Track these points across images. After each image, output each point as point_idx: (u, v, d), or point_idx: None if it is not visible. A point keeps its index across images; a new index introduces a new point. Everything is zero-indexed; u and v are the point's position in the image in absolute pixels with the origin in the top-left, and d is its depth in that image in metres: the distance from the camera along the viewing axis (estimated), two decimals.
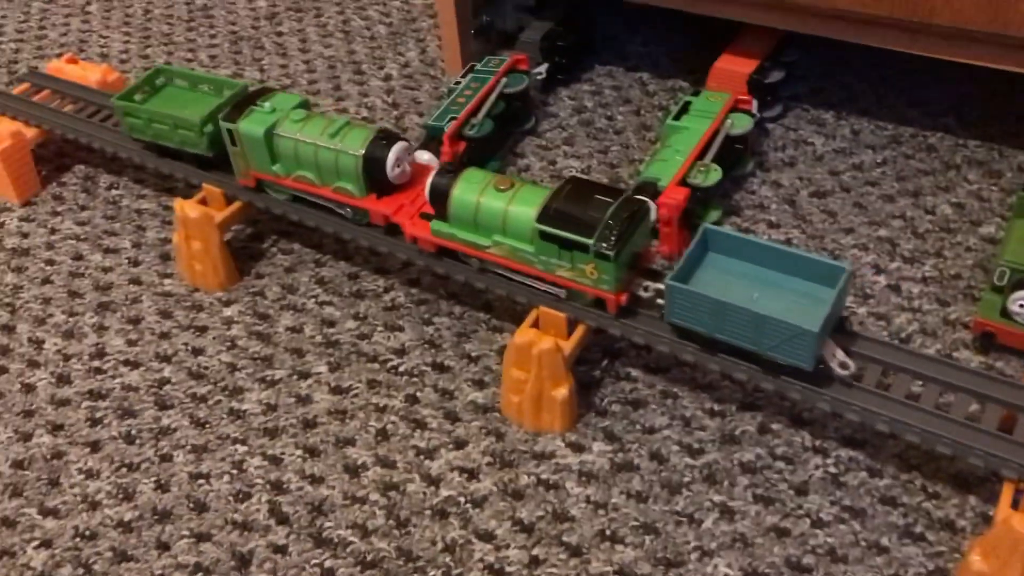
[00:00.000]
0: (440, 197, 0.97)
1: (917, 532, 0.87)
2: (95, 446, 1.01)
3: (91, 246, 1.25)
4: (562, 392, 0.94)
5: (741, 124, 1.19)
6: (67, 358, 1.11)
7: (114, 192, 1.34)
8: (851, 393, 0.86)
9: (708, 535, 0.88)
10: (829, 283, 0.87)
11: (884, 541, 0.86)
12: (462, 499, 0.93)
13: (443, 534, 0.90)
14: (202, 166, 1.17)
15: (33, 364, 1.10)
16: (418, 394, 1.03)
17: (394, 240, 1.05)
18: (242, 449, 0.99)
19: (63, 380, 1.08)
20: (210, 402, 1.04)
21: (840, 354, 0.86)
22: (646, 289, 0.93)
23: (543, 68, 1.40)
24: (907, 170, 1.25)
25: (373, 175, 1.03)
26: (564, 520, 0.90)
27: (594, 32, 1.52)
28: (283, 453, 0.98)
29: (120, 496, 0.96)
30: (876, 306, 1.07)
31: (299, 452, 0.98)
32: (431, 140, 1.24)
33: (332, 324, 1.12)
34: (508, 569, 0.87)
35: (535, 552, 0.88)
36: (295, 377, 1.06)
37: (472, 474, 0.95)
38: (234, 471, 0.97)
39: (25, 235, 1.28)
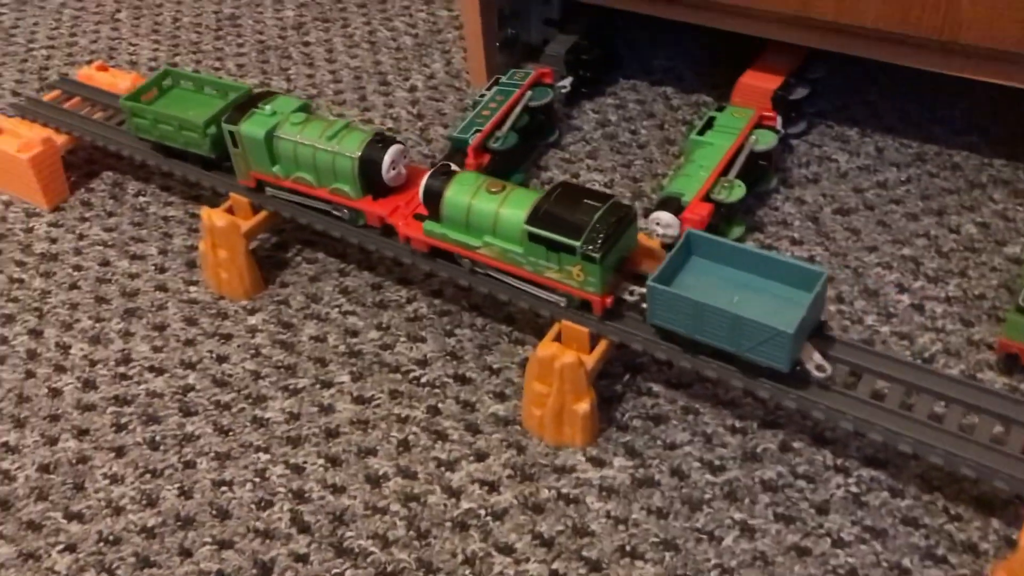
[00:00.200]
0: (433, 198, 0.99)
1: (939, 554, 0.86)
2: (120, 451, 1.02)
3: (118, 252, 1.27)
4: (584, 406, 0.94)
5: (765, 140, 1.19)
6: (93, 363, 1.12)
7: (141, 199, 1.35)
8: (874, 413, 0.86)
9: (728, 553, 0.88)
10: (808, 287, 0.88)
11: (906, 563, 0.86)
12: (482, 511, 0.93)
13: (463, 546, 0.90)
14: (205, 167, 1.20)
15: (60, 369, 1.12)
16: (440, 405, 1.04)
17: (389, 241, 1.08)
18: (265, 457, 1.00)
19: (89, 385, 1.10)
20: (234, 410, 1.05)
21: (817, 357, 0.87)
22: (631, 293, 0.95)
23: (568, 81, 1.41)
24: (931, 188, 1.24)
25: (369, 177, 1.05)
26: (584, 535, 0.90)
27: (619, 46, 1.52)
28: (305, 462, 0.99)
29: (144, 502, 0.97)
30: (899, 325, 1.07)
31: (321, 461, 0.99)
32: (455, 152, 1.24)
33: (355, 334, 1.12)
34: None
35: (555, 566, 0.88)
36: (318, 386, 1.07)
37: (493, 487, 0.95)
38: (257, 479, 0.98)
39: (54, 240, 1.30)
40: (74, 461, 1.01)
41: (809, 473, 0.94)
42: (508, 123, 1.27)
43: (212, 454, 1.01)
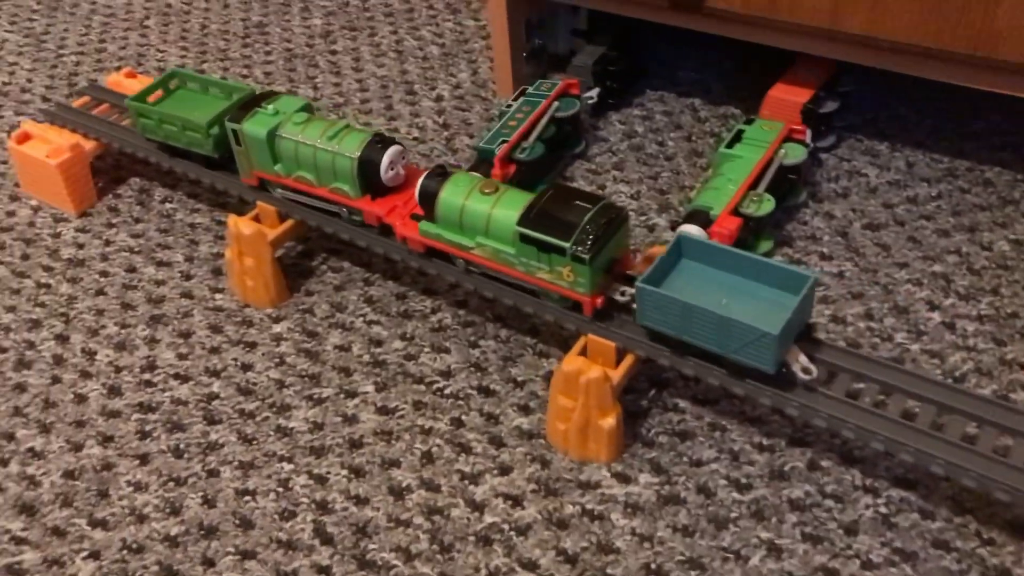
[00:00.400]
0: (428, 199, 1.01)
1: None
2: (144, 459, 1.02)
3: (144, 259, 1.27)
4: (609, 422, 0.94)
5: (795, 154, 1.18)
6: (118, 370, 1.12)
7: (168, 206, 1.36)
8: (904, 433, 0.85)
9: (755, 573, 0.87)
10: (796, 291, 0.88)
11: None
12: (506, 526, 0.92)
13: (486, 561, 0.90)
14: (209, 166, 1.22)
15: (85, 375, 1.12)
16: (463, 417, 1.03)
17: (387, 240, 1.09)
18: (288, 467, 1.00)
19: (114, 392, 1.10)
20: (258, 418, 1.05)
21: (803, 359, 0.87)
22: (623, 294, 0.95)
23: (594, 92, 1.40)
24: (963, 204, 1.23)
25: (368, 177, 1.07)
26: (609, 552, 0.89)
27: (646, 57, 1.51)
28: (329, 472, 0.99)
29: (167, 510, 0.97)
30: (929, 343, 1.05)
31: (344, 472, 0.99)
32: (482, 162, 1.24)
33: (379, 344, 1.12)
34: None
35: None
36: (342, 396, 1.07)
37: (516, 501, 0.94)
38: (280, 489, 0.98)
39: (80, 246, 1.31)
40: (99, 468, 1.02)
41: (837, 493, 0.92)
42: (535, 134, 1.26)
43: (236, 463, 1.01)
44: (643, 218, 1.25)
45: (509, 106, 1.31)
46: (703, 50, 1.55)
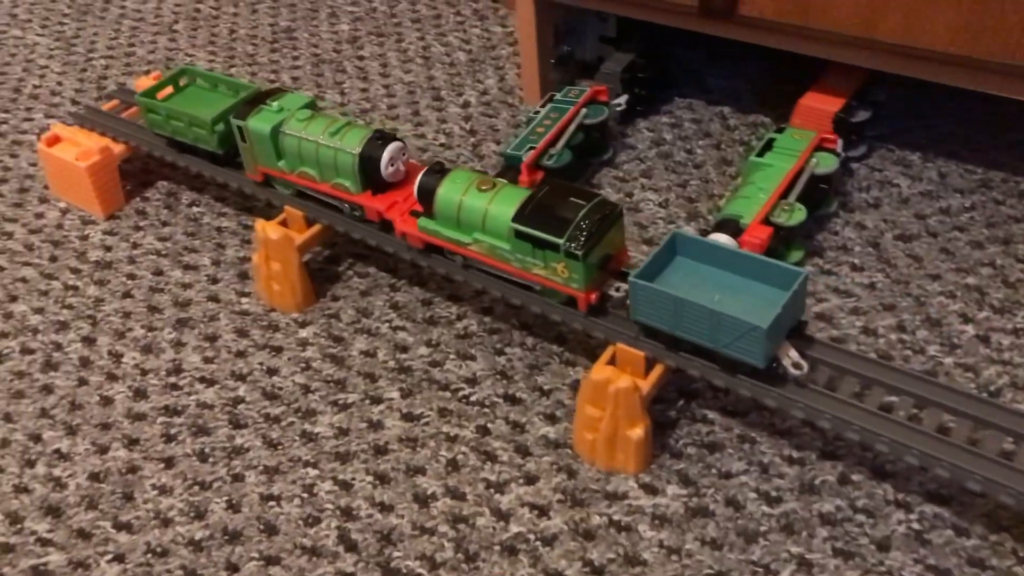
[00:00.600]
0: (427, 195, 1.02)
1: None
2: (169, 462, 1.02)
3: (171, 262, 1.27)
4: (638, 432, 0.93)
5: (826, 163, 1.17)
6: (144, 373, 1.12)
7: (195, 209, 1.36)
8: (940, 448, 0.83)
9: None
10: (788, 287, 0.88)
11: None
12: (532, 536, 0.91)
13: (512, 571, 0.89)
14: (214, 162, 1.24)
15: (112, 377, 1.12)
16: (489, 425, 1.02)
17: (387, 236, 1.11)
18: (313, 472, 0.99)
19: (140, 394, 1.10)
20: (283, 423, 1.05)
21: (794, 354, 0.88)
22: (617, 290, 0.97)
23: (623, 99, 1.39)
24: (997, 216, 1.21)
25: (368, 173, 1.08)
26: (636, 564, 0.88)
27: (674, 64, 1.50)
28: (354, 479, 0.98)
29: (192, 514, 0.96)
30: (963, 357, 1.04)
31: (369, 478, 0.98)
32: (509, 169, 1.24)
33: (405, 350, 1.12)
34: None
35: None
36: (367, 402, 1.06)
37: (543, 511, 0.93)
38: (305, 495, 0.97)
39: (108, 248, 1.31)
40: (124, 470, 1.02)
41: (869, 507, 0.91)
42: (563, 140, 1.26)
43: (261, 468, 1.00)
44: (671, 226, 1.24)
45: (536, 112, 1.30)
46: (732, 57, 1.53)
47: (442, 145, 1.42)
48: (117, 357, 1.15)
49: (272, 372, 1.11)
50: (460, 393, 1.06)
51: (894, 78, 1.20)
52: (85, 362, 1.15)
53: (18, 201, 1.41)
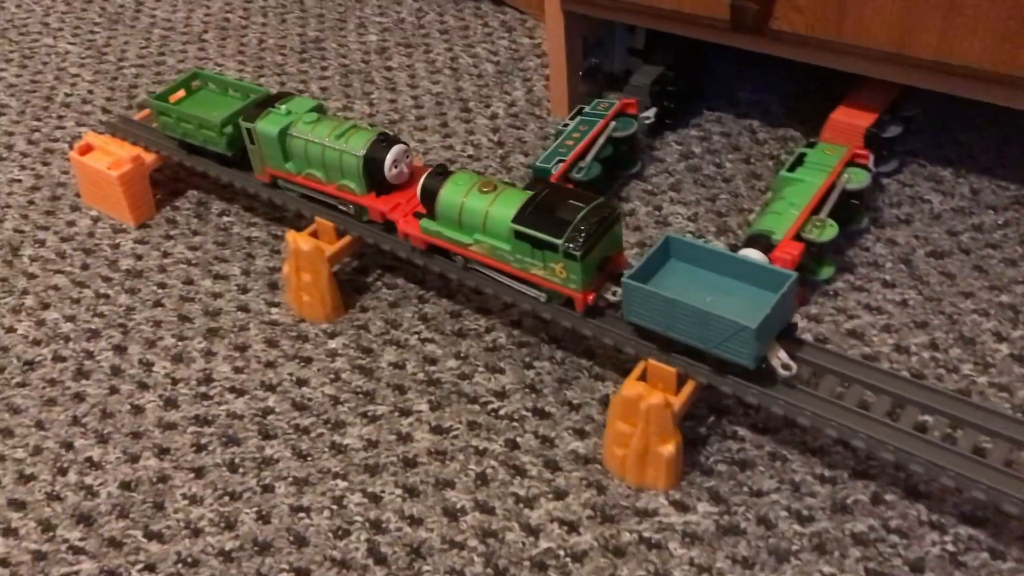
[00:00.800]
0: (429, 197, 1.04)
1: None
2: (199, 472, 1.02)
3: (202, 271, 1.28)
4: (669, 449, 0.92)
5: (858, 179, 1.16)
6: (175, 382, 1.13)
7: (225, 219, 1.37)
8: (976, 469, 0.83)
9: None
10: (778, 289, 0.90)
11: None
12: (561, 552, 0.91)
13: None
14: (223, 163, 1.28)
15: (143, 386, 1.13)
16: (518, 439, 1.02)
17: (390, 236, 1.13)
18: (343, 484, 0.99)
19: (170, 404, 1.10)
20: (312, 434, 1.05)
21: (783, 355, 0.89)
22: (614, 293, 0.98)
23: (651, 112, 1.39)
24: None
25: (373, 174, 1.10)
26: None
27: (704, 77, 1.50)
28: (383, 491, 0.98)
29: (222, 524, 0.97)
30: (997, 376, 1.03)
31: (399, 491, 0.98)
32: (538, 181, 1.23)
33: (434, 362, 1.12)
34: None
35: None
36: (396, 414, 1.06)
37: (572, 527, 0.93)
38: (334, 506, 0.97)
39: (139, 257, 1.32)
40: (155, 480, 1.02)
41: (903, 528, 0.90)
42: (591, 153, 1.26)
43: (290, 479, 1.00)
44: (701, 240, 1.23)
45: (566, 125, 1.31)
46: (762, 71, 1.53)
47: (470, 156, 1.42)
48: (148, 366, 1.16)
49: (302, 383, 1.11)
50: (489, 406, 1.06)
51: (925, 93, 1.20)
52: (116, 370, 1.15)
53: (50, 209, 1.42)
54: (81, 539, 0.97)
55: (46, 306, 1.25)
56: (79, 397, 1.12)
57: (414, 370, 1.11)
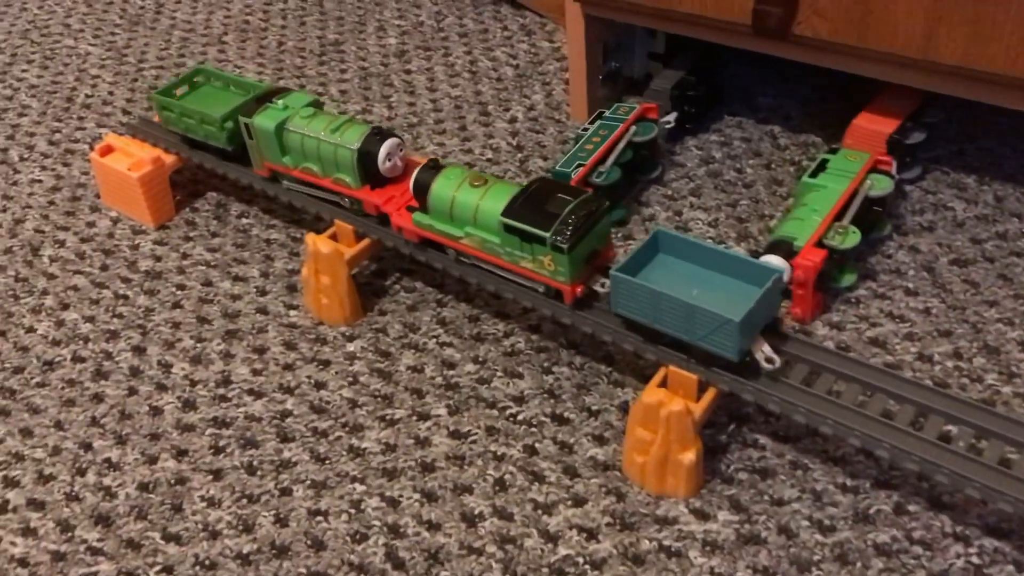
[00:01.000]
0: (421, 190, 1.06)
1: None
2: (217, 474, 1.02)
3: (221, 273, 1.28)
4: (690, 456, 0.92)
5: (881, 185, 1.15)
6: (194, 383, 1.13)
7: (244, 221, 1.37)
8: (1002, 481, 0.82)
9: None
10: (763, 284, 0.91)
11: None
12: (580, 559, 0.91)
13: None
14: (224, 158, 1.30)
15: (161, 387, 1.13)
16: (537, 445, 1.02)
17: (384, 229, 1.15)
18: (360, 488, 0.99)
19: (189, 405, 1.10)
20: (330, 438, 1.05)
21: (767, 349, 0.90)
22: (603, 286, 1.00)
23: (672, 117, 1.39)
24: None
25: (367, 168, 1.13)
26: None
27: (724, 82, 1.49)
28: (401, 496, 0.98)
29: (240, 527, 0.97)
30: (1022, 386, 1.02)
31: (417, 496, 0.98)
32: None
33: (452, 366, 1.11)
34: None
35: None
36: (415, 418, 1.06)
37: (591, 534, 0.92)
38: (352, 511, 0.97)
39: (158, 258, 1.32)
40: (173, 481, 1.02)
41: (926, 539, 0.89)
42: (612, 158, 1.25)
43: (308, 482, 1.00)
44: (721, 246, 1.22)
45: (585, 129, 1.30)
46: (783, 76, 1.52)
47: (489, 160, 1.42)
48: (167, 367, 1.16)
49: (320, 386, 1.11)
50: (507, 411, 1.06)
51: (949, 99, 1.19)
52: (135, 371, 1.15)
53: (70, 210, 1.43)
54: (99, 540, 0.97)
55: (66, 306, 1.26)
56: (98, 398, 1.13)
57: (432, 374, 1.11)
